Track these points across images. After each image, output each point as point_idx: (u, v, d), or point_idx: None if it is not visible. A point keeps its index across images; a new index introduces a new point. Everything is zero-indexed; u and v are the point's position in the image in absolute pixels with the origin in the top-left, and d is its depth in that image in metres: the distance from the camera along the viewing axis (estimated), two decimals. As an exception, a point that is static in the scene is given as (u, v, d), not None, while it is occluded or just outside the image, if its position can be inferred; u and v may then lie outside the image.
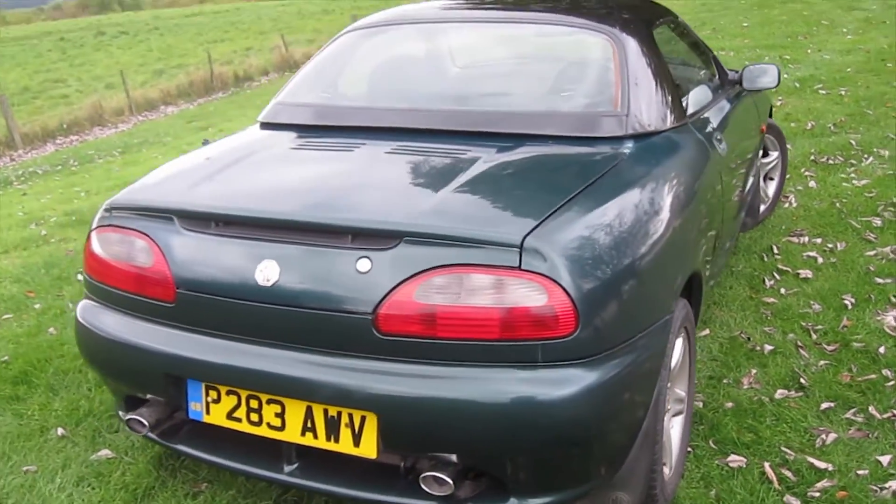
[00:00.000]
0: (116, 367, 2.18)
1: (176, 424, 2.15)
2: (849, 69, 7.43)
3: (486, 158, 2.15)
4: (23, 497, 2.40)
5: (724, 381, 2.83)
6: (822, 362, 2.90)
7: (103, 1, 46.20)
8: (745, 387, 2.79)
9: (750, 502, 2.24)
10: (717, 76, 3.39)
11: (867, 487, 2.26)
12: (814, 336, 3.09)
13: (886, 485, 2.26)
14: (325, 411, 1.86)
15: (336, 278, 1.81)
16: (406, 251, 1.77)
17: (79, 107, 16.92)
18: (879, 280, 3.48)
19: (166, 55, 24.66)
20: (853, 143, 5.36)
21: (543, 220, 1.78)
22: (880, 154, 5.11)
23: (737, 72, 3.49)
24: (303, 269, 1.85)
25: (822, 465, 2.36)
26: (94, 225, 2.20)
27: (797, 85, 6.95)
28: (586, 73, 2.66)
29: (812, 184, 4.77)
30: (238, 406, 1.96)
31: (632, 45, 2.53)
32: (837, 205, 4.38)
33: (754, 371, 2.88)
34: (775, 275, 3.64)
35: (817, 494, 2.25)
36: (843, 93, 6.65)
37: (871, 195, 4.46)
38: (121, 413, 2.27)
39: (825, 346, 3.01)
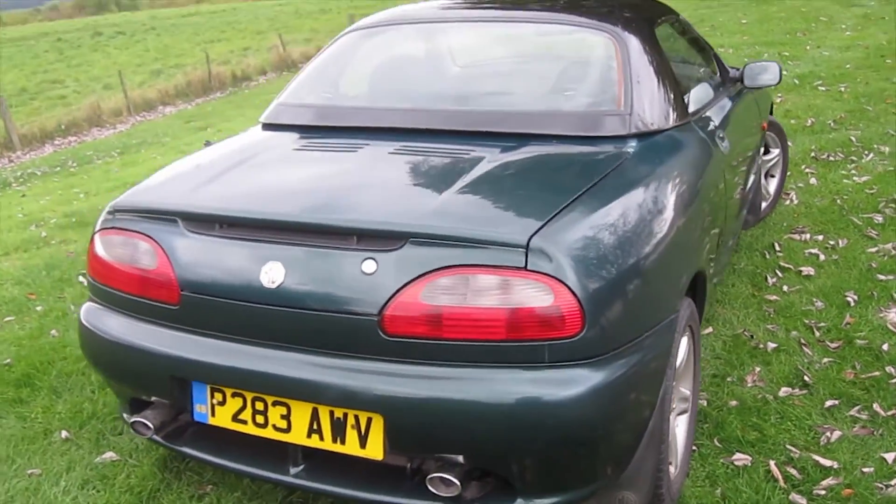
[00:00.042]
0: (121, 369, 2.18)
1: (181, 427, 2.14)
2: (848, 65, 7.42)
3: (490, 158, 2.14)
4: (28, 500, 2.40)
5: (728, 379, 2.83)
6: (825, 360, 2.90)
7: (100, 1, 46.14)
8: (749, 385, 2.79)
9: (756, 501, 2.24)
10: (718, 74, 3.39)
11: (872, 485, 2.26)
12: (817, 333, 3.09)
13: (892, 482, 2.26)
14: (332, 413, 1.86)
15: (341, 280, 1.81)
16: (412, 252, 1.77)
17: (77, 108, 16.90)
18: (882, 277, 3.48)
19: (163, 55, 24.64)
20: (853, 139, 5.36)
21: (549, 221, 1.78)
22: (880, 150, 5.11)
23: (738, 69, 3.48)
24: (308, 270, 1.85)
25: (827, 462, 2.36)
26: (98, 227, 2.20)
27: (797, 81, 6.95)
28: (589, 72, 2.66)
29: (813, 181, 4.77)
30: (244, 408, 1.96)
31: (634, 43, 2.52)
32: (838, 201, 4.38)
33: (758, 369, 2.88)
34: (777, 272, 3.64)
35: (823, 492, 2.25)
36: (842, 89, 6.65)
37: (871, 192, 4.46)
38: (125, 416, 2.27)
39: (828, 344, 3.01)
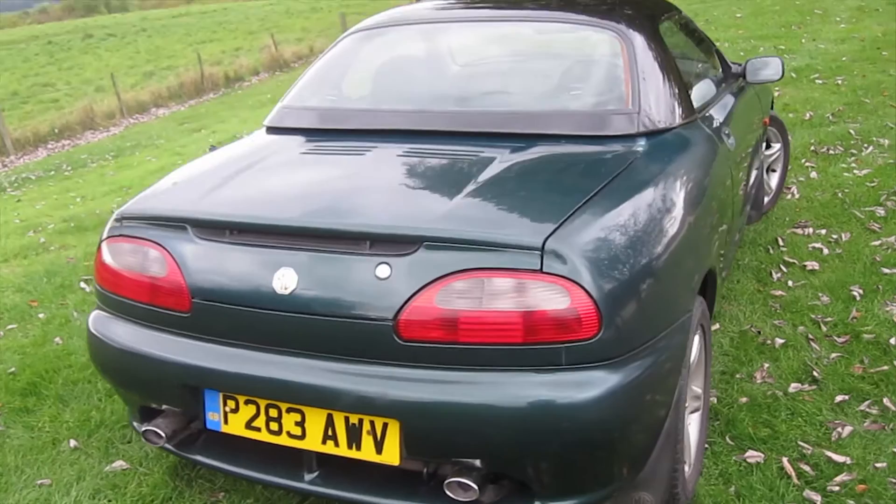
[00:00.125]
0: (131, 378, 2.17)
1: (193, 434, 2.13)
2: (844, 58, 7.43)
3: (500, 160, 2.13)
4: (38, 511, 2.38)
5: (738, 375, 2.83)
6: (833, 355, 2.90)
7: (89, 3, 45.94)
8: (759, 381, 2.79)
9: (770, 498, 2.24)
10: (720, 70, 3.39)
11: (886, 480, 2.26)
12: (824, 328, 3.09)
13: (906, 477, 2.26)
14: (347, 419, 1.85)
15: (355, 285, 1.80)
16: (426, 256, 1.76)
17: (69, 111, 16.82)
18: (886, 270, 3.48)
19: (155, 57, 24.55)
20: (852, 132, 5.37)
21: (563, 222, 1.77)
22: (880, 143, 5.12)
23: (739, 65, 3.48)
24: (321, 276, 1.83)
25: (839, 458, 2.36)
26: (105, 235, 2.18)
27: (794, 75, 6.94)
28: (596, 71, 2.65)
29: (813, 174, 4.77)
30: (257, 415, 1.95)
31: (639, 41, 2.52)
32: (840, 195, 4.38)
33: (767, 365, 2.88)
34: (782, 267, 3.64)
35: (837, 488, 2.25)
36: (839, 82, 6.66)
37: (872, 185, 4.47)
38: (136, 424, 2.25)
39: (836, 339, 3.01)
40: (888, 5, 9.60)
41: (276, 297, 1.84)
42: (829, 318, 3.15)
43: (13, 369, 3.29)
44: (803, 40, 8.53)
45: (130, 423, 2.41)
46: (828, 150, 5.14)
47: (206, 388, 1.99)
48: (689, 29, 3.26)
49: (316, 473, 1.96)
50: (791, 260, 3.69)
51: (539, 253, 1.69)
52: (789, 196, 4.49)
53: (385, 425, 1.82)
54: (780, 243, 3.88)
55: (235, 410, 1.97)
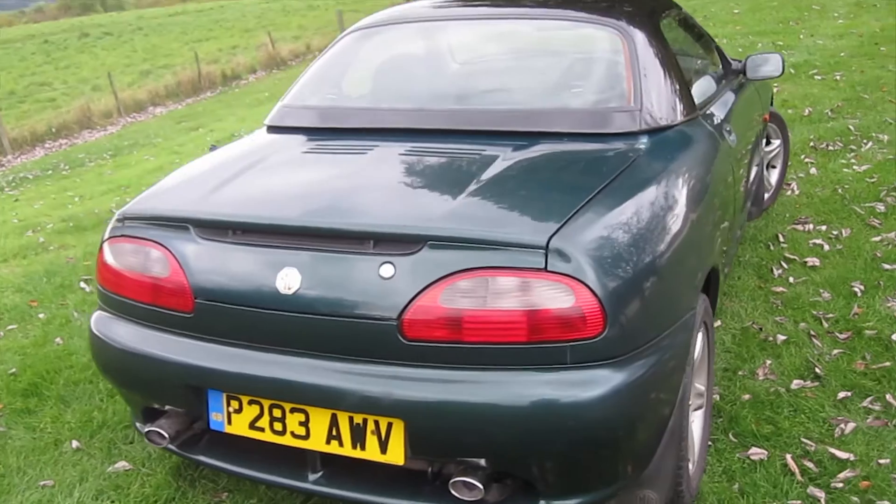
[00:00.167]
0: (134, 378, 2.16)
1: (196, 435, 2.13)
2: (842, 54, 7.43)
3: (502, 158, 2.13)
4: (41, 512, 2.38)
5: (740, 372, 2.83)
6: (835, 351, 2.90)
7: (85, 2, 45.85)
8: (761, 378, 2.79)
9: (774, 495, 2.24)
10: (720, 66, 3.38)
11: (889, 477, 2.26)
12: (825, 325, 3.09)
13: (909, 473, 2.27)
14: (351, 419, 1.85)
15: (359, 284, 1.79)
16: (430, 255, 1.75)
17: (66, 110, 16.80)
18: (887, 266, 3.48)
19: (152, 55, 24.50)
20: (851, 128, 5.37)
21: (567, 221, 1.77)
22: (879, 139, 5.12)
23: (739, 61, 3.48)
24: (324, 276, 1.83)
25: (843, 455, 2.36)
26: (107, 235, 2.17)
27: (792, 71, 6.94)
28: (597, 69, 2.65)
29: (813, 170, 4.77)
30: (261, 416, 1.94)
31: (640, 38, 2.51)
32: (840, 191, 4.38)
33: (769, 362, 2.88)
34: (783, 263, 3.64)
35: (840, 485, 2.25)
36: (838, 78, 6.66)
37: (872, 180, 4.47)
38: (139, 425, 2.25)
39: (838, 335, 3.01)
40: (886, 1, 9.59)
41: (280, 297, 1.84)
42: (830, 315, 3.15)
43: (14, 370, 3.29)
44: (801, 36, 8.53)
45: (133, 424, 2.41)
46: (827, 146, 5.14)
47: (210, 388, 1.99)
48: (689, 25, 3.26)
49: (320, 473, 1.96)
50: (792, 256, 3.69)
51: (543, 252, 1.69)
52: (789, 192, 4.49)
53: (389, 425, 1.81)
54: (781, 240, 3.88)
55: (239, 411, 1.97)
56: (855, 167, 4.71)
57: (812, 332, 3.04)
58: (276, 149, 2.48)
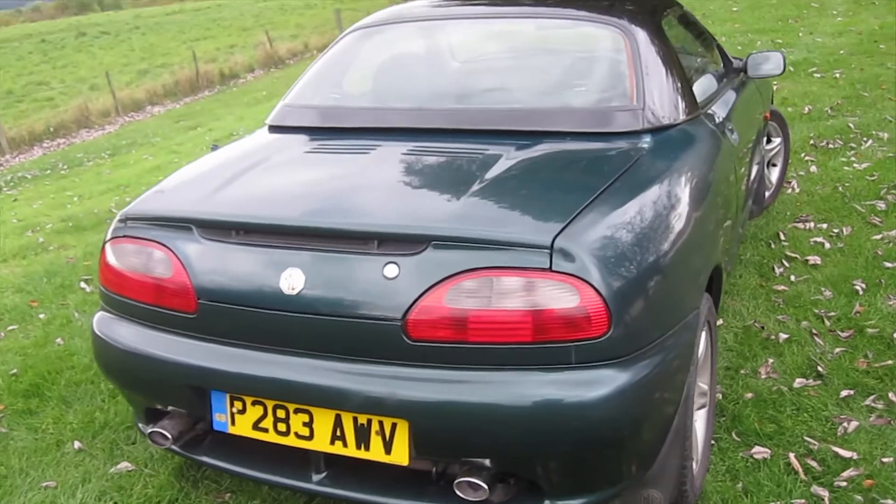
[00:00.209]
0: (137, 379, 2.15)
1: (199, 435, 2.12)
2: (842, 51, 7.43)
3: (506, 157, 2.13)
4: (44, 513, 2.37)
5: (742, 371, 2.83)
6: (837, 349, 2.90)
7: (83, 1, 45.75)
8: (763, 376, 2.79)
9: (777, 494, 2.24)
10: (721, 65, 3.38)
11: (893, 475, 2.26)
12: (827, 323, 3.09)
13: (913, 472, 2.27)
14: (355, 419, 1.84)
15: (363, 285, 1.79)
16: (434, 255, 1.75)
17: (64, 109, 16.78)
18: (888, 264, 3.48)
19: (149, 54, 24.46)
20: (851, 126, 5.37)
21: (572, 221, 1.77)
22: (879, 136, 5.11)
23: (740, 59, 3.48)
24: (328, 276, 1.82)
25: (846, 453, 2.36)
26: (109, 236, 2.17)
27: (792, 69, 6.93)
28: (599, 68, 2.64)
29: (813, 168, 4.77)
30: (264, 416, 1.94)
31: (642, 36, 2.51)
32: (840, 189, 4.38)
33: (771, 360, 2.88)
34: (784, 262, 3.64)
35: (844, 484, 2.25)
36: (837, 75, 6.66)
37: (872, 178, 4.47)
38: (141, 426, 2.25)
39: (839, 333, 3.01)
40: (885, -2, 9.60)
41: (284, 298, 1.84)
42: (832, 313, 3.15)
43: (15, 371, 3.28)
44: (800, 34, 8.53)
45: (135, 425, 2.40)
46: (827, 143, 5.14)
47: (213, 389, 1.98)
48: (690, 23, 3.26)
49: (324, 474, 1.96)
50: (793, 254, 3.69)
51: (548, 251, 1.69)
52: (790, 190, 4.49)
53: (394, 425, 1.81)
54: (782, 238, 3.88)
55: (243, 411, 1.96)
56: (855, 165, 4.71)
57: (814, 331, 3.04)
58: (278, 148, 2.48)
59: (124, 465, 2.55)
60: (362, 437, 1.85)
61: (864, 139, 5.12)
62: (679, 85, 2.49)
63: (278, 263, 1.86)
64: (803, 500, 2.20)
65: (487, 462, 1.78)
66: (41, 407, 2.97)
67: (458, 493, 1.78)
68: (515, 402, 1.71)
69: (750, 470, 2.34)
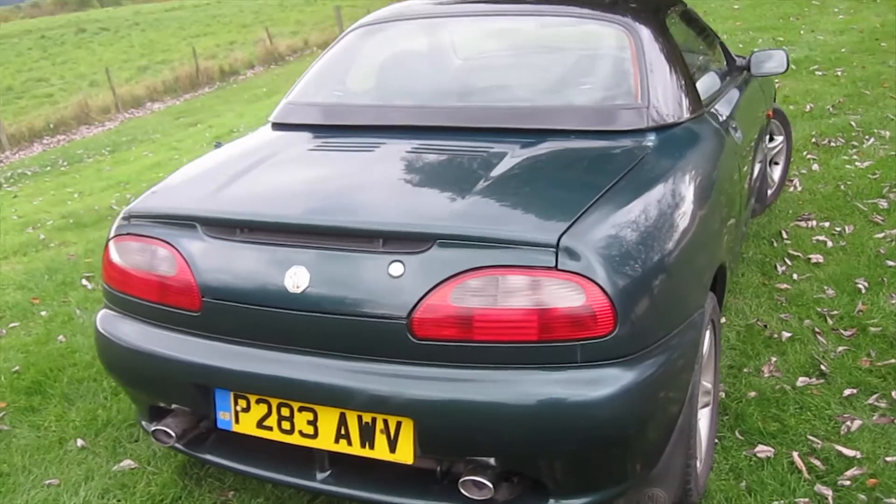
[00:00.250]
0: (140, 377, 2.15)
1: (203, 434, 2.12)
2: (843, 49, 7.42)
3: (511, 155, 2.12)
4: (47, 511, 2.37)
5: (745, 370, 2.83)
6: (840, 348, 2.90)
7: (82, -3, 45.65)
8: (766, 375, 2.79)
9: (781, 493, 2.24)
10: (725, 62, 3.38)
11: (896, 474, 2.26)
12: (830, 321, 3.09)
13: (916, 471, 2.26)
14: (360, 418, 1.84)
15: (368, 283, 1.78)
16: (439, 254, 1.74)
17: (64, 106, 16.75)
18: (891, 263, 3.48)
19: (149, 51, 24.42)
20: (853, 124, 5.36)
21: (577, 219, 1.76)
22: (881, 135, 5.11)
23: (743, 57, 3.48)
24: (333, 274, 1.82)
25: (849, 452, 2.36)
26: (112, 234, 2.16)
27: (793, 67, 6.91)
28: (604, 66, 2.64)
29: (815, 167, 4.77)
30: (269, 415, 1.94)
31: (647, 34, 2.50)
32: (842, 187, 4.38)
33: (774, 359, 2.88)
34: (786, 260, 3.64)
35: (847, 483, 2.25)
36: (839, 73, 6.65)
37: (874, 177, 4.47)
38: (144, 424, 2.24)
39: (842, 332, 3.01)
40: (886, -4, 9.59)
41: (288, 296, 1.83)
42: (835, 312, 3.15)
43: (17, 368, 3.27)
44: (802, 32, 8.52)
45: (139, 423, 2.40)
46: (829, 142, 5.14)
47: (217, 387, 1.98)
48: (693, 21, 3.25)
49: (328, 472, 1.95)
50: (795, 253, 3.69)
51: (554, 250, 1.68)
52: (792, 189, 4.48)
53: (399, 424, 1.81)
54: (784, 236, 3.88)
55: (247, 410, 1.96)
56: (857, 163, 4.71)
57: (817, 329, 3.04)
58: (282, 146, 2.47)
59: (127, 463, 2.54)
60: (367, 436, 1.84)
61: (866, 137, 5.11)
62: (683, 83, 2.49)
63: (283, 261, 1.85)
64: (807, 499, 2.20)
65: (492, 461, 1.78)
66: (43, 404, 2.97)
67: (462, 491, 1.78)
68: (520, 401, 1.70)
69: (753, 469, 2.34)
